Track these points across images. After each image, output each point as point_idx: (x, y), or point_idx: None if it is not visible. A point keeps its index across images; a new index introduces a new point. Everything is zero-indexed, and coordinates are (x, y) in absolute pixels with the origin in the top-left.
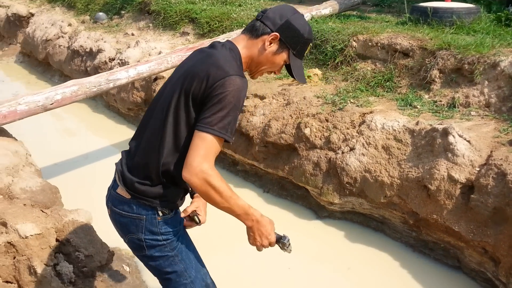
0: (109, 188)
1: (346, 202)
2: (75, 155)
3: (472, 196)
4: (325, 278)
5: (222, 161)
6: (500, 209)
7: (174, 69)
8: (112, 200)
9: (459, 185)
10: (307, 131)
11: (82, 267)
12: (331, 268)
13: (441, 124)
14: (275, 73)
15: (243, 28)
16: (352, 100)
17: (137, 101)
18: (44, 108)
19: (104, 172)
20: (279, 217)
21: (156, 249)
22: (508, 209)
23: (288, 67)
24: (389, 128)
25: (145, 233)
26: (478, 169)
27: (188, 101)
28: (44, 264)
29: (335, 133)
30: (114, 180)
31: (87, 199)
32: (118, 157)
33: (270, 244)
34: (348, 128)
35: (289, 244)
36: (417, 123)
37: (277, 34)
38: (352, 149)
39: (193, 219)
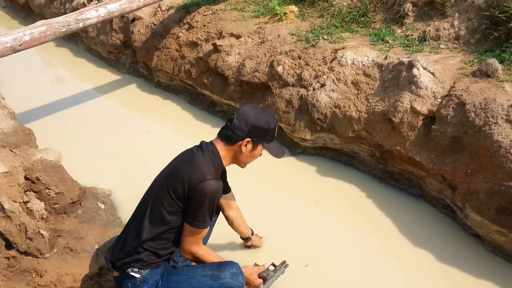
0: None
1: (317, 138)
2: (55, 99)
3: (433, 126)
4: (292, 211)
5: (201, 103)
6: (458, 138)
7: (146, 7)
8: None
9: (421, 117)
10: (279, 69)
11: (53, 204)
12: (299, 202)
13: (408, 58)
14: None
15: (219, 133)
16: (325, 37)
17: (116, 44)
18: (13, 49)
19: (82, 116)
20: None
21: None
22: (465, 137)
23: None
24: (358, 64)
25: None
26: (440, 100)
27: (171, 195)
28: (13, 200)
29: (307, 70)
30: None
31: (62, 141)
32: (97, 101)
33: (257, 285)
34: (319, 65)
35: (274, 274)
36: (385, 58)
37: (248, 139)
38: (322, 85)
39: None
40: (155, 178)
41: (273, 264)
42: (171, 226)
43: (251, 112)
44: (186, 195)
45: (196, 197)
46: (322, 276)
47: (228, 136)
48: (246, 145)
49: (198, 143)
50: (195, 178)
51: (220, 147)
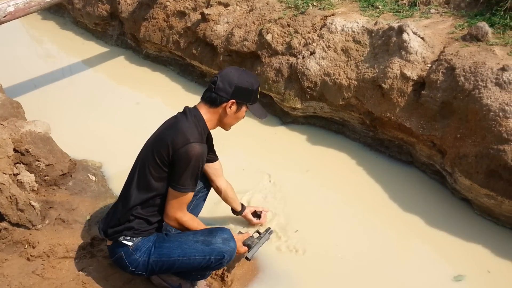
0: None
1: (308, 107)
2: (42, 73)
3: (422, 92)
4: (283, 180)
5: (191, 74)
6: (447, 102)
7: None
8: None
9: (411, 82)
10: (268, 37)
11: (43, 176)
12: (290, 170)
13: (398, 23)
14: None
15: (202, 97)
16: (315, 3)
17: (103, 15)
18: None
19: (70, 89)
20: (245, 125)
21: None
22: (455, 102)
23: None
24: (348, 30)
25: None
26: (430, 65)
27: (156, 161)
28: (3, 172)
29: (296, 38)
30: None
31: (51, 114)
32: (85, 73)
33: (241, 252)
34: (309, 32)
35: (258, 241)
36: (375, 23)
37: (233, 100)
38: (312, 53)
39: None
40: (143, 146)
41: (257, 232)
42: (158, 192)
43: (234, 73)
44: (170, 159)
45: (181, 161)
46: (311, 241)
47: (212, 98)
48: (230, 107)
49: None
50: (179, 142)
51: (204, 111)
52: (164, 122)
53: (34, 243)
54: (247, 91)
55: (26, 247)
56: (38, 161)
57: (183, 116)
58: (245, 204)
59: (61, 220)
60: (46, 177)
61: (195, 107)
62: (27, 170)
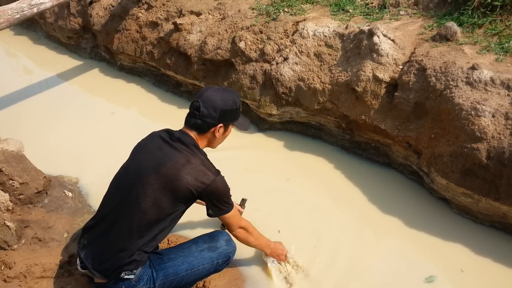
0: None
1: (284, 112)
2: (15, 89)
3: (395, 94)
4: (264, 191)
5: (166, 84)
6: (420, 103)
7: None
8: None
9: (384, 85)
10: (241, 44)
11: (18, 194)
12: (271, 180)
13: (368, 26)
14: None
15: (187, 123)
16: (286, 9)
17: (75, 28)
18: None
19: (45, 104)
20: None
21: None
22: (428, 102)
23: None
24: (320, 35)
25: None
26: (401, 67)
27: (176, 199)
28: None
29: (269, 44)
30: None
31: (25, 131)
32: (59, 88)
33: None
34: (281, 38)
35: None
36: (346, 27)
37: (221, 124)
38: (286, 59)
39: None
40: (130, 174)
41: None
42: (166, 225)
43: (216, 96)
44: (197, 195)
45: (213, 196)
46: (292, 243)
47: (198, 125)
48: (219, 130)
49: (165, 127)
50: (203, 181)
51: (194, 136)
52: (159, 148)
53: (11, 264)
54: (232, 111)
55: (2, 268)
56: (12, 180)
57: (184, 148)
58: None
59: (37, 239)
60: (21, 196)
61: (186, 133)
62: (1, 190)
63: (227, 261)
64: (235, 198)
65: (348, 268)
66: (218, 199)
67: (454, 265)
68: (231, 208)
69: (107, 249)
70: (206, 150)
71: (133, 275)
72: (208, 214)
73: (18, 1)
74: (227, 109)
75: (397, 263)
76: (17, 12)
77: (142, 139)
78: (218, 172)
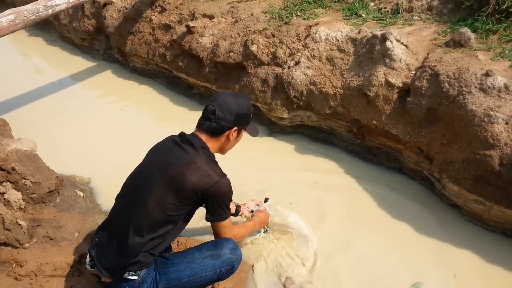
0: None
1: (295, 116)
2: (29, 89)
3: (408, 99)
4: (272, 193)
5: (178, 86)
6: (433, 109)
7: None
8: None
9: (396, 90)
10: (254, 48)
11: (30, 193)
12: (280, 184)
13: (381, 31)
14: None
15: (200, 126)
16: (299, 13)
17: (89, 30)
18: None
19: (58, 104)
20: None
21: None
22: (440, 108)
23: None
24: (332, 39)
25: None
26: (414, 72)
27: (180, 200)
28: None
29: (281, 48)
30: None
31: (39, 131)
32: (72, 89)
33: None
34: (294, 42)
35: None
36: (359, 32)
37: (235, 128)
38: (297, 62)
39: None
40: (140, 174)
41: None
42: (171, 226)
43: (231, 100)
44: (200, 197)
45: (214, 198)
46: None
47: (213, 128)
48: (232, 134)
49: (178, 131)
50: (207, 181)
51: (205, 139)
52: (169, 151)
53: (22, 262)
54: (246, 116)
55: (14, 266)
56: (25, 179)
57: (192, 150)
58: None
59: (48, 238)
60: (33, 195)
61: (197, 136)
62: (14, 189)
63: (231, 269)
64: (251, 195)
65: (355, 272)
66: (219, 202)
67: (464, 272)
68: (228, 216)
69: (114, 248)
70: (216, 156)
71: (137, 276)
72: (206, 219)
73: (33, 3)
74: (242, 113)
75: (406, 269)
76: (32, 13)
77: (158, 142)
78: (223, 174)
